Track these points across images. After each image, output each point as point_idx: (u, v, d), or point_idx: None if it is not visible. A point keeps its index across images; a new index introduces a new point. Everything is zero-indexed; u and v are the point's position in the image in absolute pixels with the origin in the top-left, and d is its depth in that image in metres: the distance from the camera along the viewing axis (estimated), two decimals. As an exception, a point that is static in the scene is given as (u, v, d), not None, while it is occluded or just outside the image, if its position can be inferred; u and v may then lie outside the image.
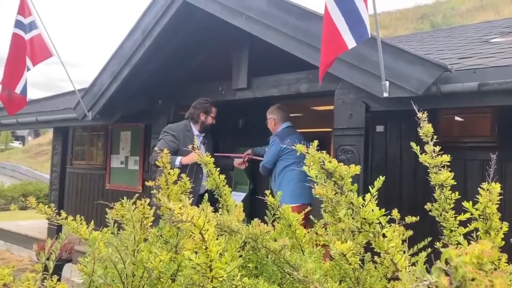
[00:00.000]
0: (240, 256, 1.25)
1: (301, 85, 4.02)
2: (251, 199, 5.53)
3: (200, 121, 4.11)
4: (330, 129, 7.65)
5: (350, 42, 2.58)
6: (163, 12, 4.20)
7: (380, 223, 0.91)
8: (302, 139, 3.98)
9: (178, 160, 3.83)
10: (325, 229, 1.52)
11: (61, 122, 6.04)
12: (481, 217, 1.03)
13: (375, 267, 1.28)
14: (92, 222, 1.58)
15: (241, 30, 3.89)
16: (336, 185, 0.93)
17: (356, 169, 0.94)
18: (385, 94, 3.01)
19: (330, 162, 0.91)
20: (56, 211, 1.54)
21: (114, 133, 7.44)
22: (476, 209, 1.04)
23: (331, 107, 3.75)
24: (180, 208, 0.82)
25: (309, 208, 2.47)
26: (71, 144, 7.91)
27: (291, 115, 8.15)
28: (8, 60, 4.56)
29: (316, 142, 1.02)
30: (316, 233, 1.54)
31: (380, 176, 1.02)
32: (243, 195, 5.70)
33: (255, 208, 5.23)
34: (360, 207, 0.89)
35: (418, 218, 1.49)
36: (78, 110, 5.25)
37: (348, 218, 1.00)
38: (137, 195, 1.58)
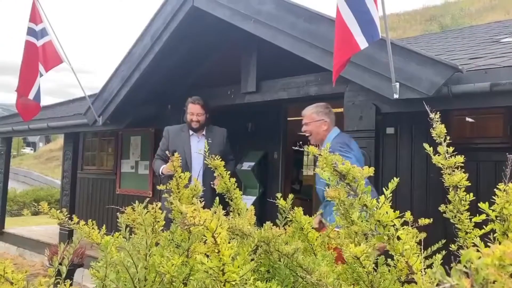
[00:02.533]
0: (252, 259, 1.24)
1: (310, 87, 4.01)
2: (261, 202, 5.52)
3: (187, 121, 4.04)
4: (340, 132, 7.61)
5: (362, 42, 2.57)
6: (171, 17, 4.22)
7: (394, 225, 0.90)
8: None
9: (161, 169, 3.82)
10: (337, 232, 1.51)
11: (72, 128, 6.09)
12: (498, 218, 1.02)
13: (389, 270, 1.27)
14: (104, 227, 1.58)
15: (250, 34, 3.90)
16: (349, 187, 0.92)
17: (369, 171, 0.93)
18: (396, 96, 2.98)
19: (343, 164, 0.91)
20: (68, 216, 1.55)
21: (124, 138, 7.49)
22: (493, 210, 1.02)
23: (341, 110, 3.74)
24: (192, 211, 0.82)
25: None
26: (81, 149, 7.98)
27: (299, 118, 8.13)
28: (22, 67, 4.62)
29: (328, 144, 1.01)
30: (328, 236, 1.52)
31: (394, 178, 1.01)
32: (253, 198, 5.69)
33: (264, 212, 5.22)
34: (374, 209, 0.88)
35: (432, 220, 1.47)
36: (88, 116, 5.29)
37: (362, 221, 0.99)
38: (147, 199, 1.58)
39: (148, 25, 4.46)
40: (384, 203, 0.86)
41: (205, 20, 4.23)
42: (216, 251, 0.96)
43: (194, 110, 3.95)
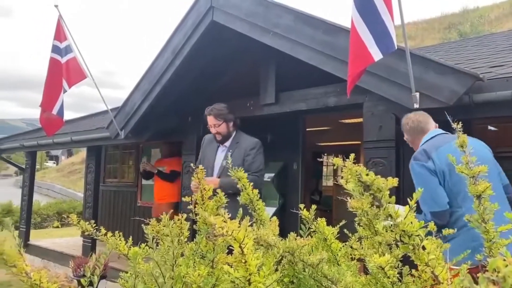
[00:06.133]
0: (276, 270, 1.26)
1: (329, 98, 4.03)
2: (281, 214, 5.52)
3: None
4: (359, 142, 7.59)
5: (377, 54, 2.58)
6: (191, 31, 4.31)
7: (419, 235, 0.91)
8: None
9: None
10: (360, 242, 1.51)
11: (94, 141, 6.22)
12: (524, 227, 1.01)
13: (413, 281, 1.27)
14: (130, 238, 1.62)
15: (268, 47, 3.95)
16: (373, 198, 0.93)
17: (394, 181, 0.94)
18: (416, 106, 2.98)
19: (367, 175, 0.92)
20: (95, 227, 1.59)
21: (145, 151, 7.61)
22: (519, 220, 1.02)
23: (360, 120, 3.74)
24: (221, 222, 0.85)
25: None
26: (103, 162, 8.12)
27: (318, 128, 8.09)
28: (46, 83, 4.77)
29: (353, 155, 1.03)
30: (351, 247, 1.53)
31: (419, 189, 1.02)
32: (273, 210, 5.70)
33: (285, 223, 5.22)
34: (399, 220, 0.90)
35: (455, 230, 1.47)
36: (111, 129, 5.40)
37: (386, 231, 1.00)
38: (171, 211, 1.62)
39: (169, 40, 4.56)
40: (409, 213, 0.87)
41: (224, 34, 4.31)
42: (243, 261, 0.98)
43: (210, 122, 3.76)
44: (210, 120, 3.74)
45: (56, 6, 4.66)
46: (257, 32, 3.88)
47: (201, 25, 4.25)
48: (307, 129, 5.92)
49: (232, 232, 0.84)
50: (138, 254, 1.35)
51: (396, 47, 2.70)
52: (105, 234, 1.55)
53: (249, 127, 5.13)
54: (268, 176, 5.79)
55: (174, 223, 1.41)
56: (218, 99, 5.12)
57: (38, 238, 9.38)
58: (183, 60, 4.48)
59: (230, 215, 1.11)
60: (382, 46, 2.56)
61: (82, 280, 1.08)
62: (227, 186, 3.38)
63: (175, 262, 1.31)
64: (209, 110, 3.76)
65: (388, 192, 0.94)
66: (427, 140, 2.60)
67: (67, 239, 9.09)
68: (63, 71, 4.76)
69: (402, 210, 0.92)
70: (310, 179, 9.18)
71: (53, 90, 4.75)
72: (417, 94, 2.96)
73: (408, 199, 0.91)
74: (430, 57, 3.08)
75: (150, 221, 1.53)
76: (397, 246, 1.14)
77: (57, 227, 15.53)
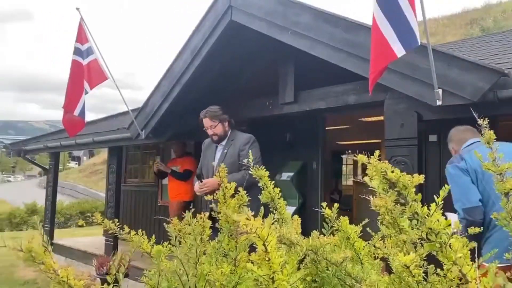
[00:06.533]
0: (298, 268, 1.25)
1: (349, 96, 3.99)
2: (300, 213, 5.50)
3: None
4: (379, 140, 7.50)
5: (399, 50, 2.55)
6: (210, 32, 4.33)
7: (446, 233, 0.89)
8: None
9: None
10: (383, 241, 1.49)
11: (115, 141, 6.31)
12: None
13: (439, 280, 1.24)
14: (153, 237, 1.64)
15: (287, 45, 3.94)
16: (399, 196, 0.92)
17: (419, 178, 0.92)
18: (439, 103, 2.92)
19: (392, 172, 0.91)
20: (119, 226, 1.61)
21: (165, 151, 7.68)
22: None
23: (380, 118, 3.69)
24: (245, 220, 0.85)
25: None
26: (125, 162, 8.23)
27: (337, 127, 8.02)
28: (68, 85, 4.86)
29: (377, 152, 1.01)
30: (374, 246, 1.51)
31: (446, 185, 1.00)
32: (293, 209, 5.68)
33: (304, 223, 5.18)
34: (425, 217, 0.88)
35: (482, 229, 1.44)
36: (132, 130, 5.47)
37: (412, 229, 0.98)
38: (192, 210, 1.62)
39: (188, 41, 4.59)
40: (435, 210, 0.86)
41: (243, 34, 4.31)
42: (267, 259, 0.98)
43: (206, 124, 3.83)
44: (206, 122, 3.83)
45: (77, 9, 4.74)
46: (276, 31, 3.87)
47: (220, 25, 4.27)
48: (327, 128, 5.88)
49: (256, 230, 0.84)
50: (161, 252, 1.36)
51: (419, 43, 2.66)
52: (129, 233, 1.57)
53: (267, 127, 5.13)
54: (287, 176, 5.78)
55: (196, 221, 1.41)
56: (237, 99, 5.14)
57: (61, 237, 9.57)
58: (202, 60, 4.51)
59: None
60: (405, 42, 2.53)
61: (108, 277, 1.09)
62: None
63: (198, 260, 1.31)
64: (204, 113, 3.85)
65: (414, 190, 0.92)
66: (465, 147, 2.72)
67: (90, 238, 9.25)
68: (84, 73, 4.84)
69: (454, 218, 0.90)
70: (329, 179, 9.12)
71: (75, 91, 4.84)
72: (440, 91, 2.91)
73: (435, 196, 0.89)
74: (453, 53, 3.02)
75: (171, 219, 1.54)
76: (422, 244, 1.12)
77: (81, 225, 15.81)
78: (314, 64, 4.01)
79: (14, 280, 7.26)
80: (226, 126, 3.86)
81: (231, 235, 1.49)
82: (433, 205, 0.89)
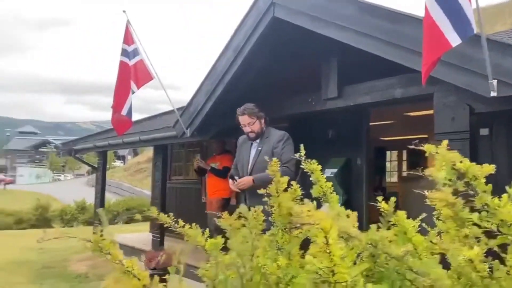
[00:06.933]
0: (354, 262, 1.24)
1: (395, 90, 3.90)
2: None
3: None
4: (425, 135, 7.27)
5: (454, 40, 2.46)
6: (252, 30, 4.35)
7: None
8: None
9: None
10: (440, 237, 1.45)
11: (161, 140, 6.47)
12: None
13: (504, 277, 1.19)
14: (207, 230, 1.67)
15: (330, 39, 3.89)
16: (467, 186, 0.89)
17: (490, 168, 0.89)
18: (493, 94, 2.80)
19: (461, 162, 0.88)
20: (174, 220, 1.66)
21: (208, 149, 7.79)
22: None
23: (427, 112, 3.58)
24: (308, 211, 0.85)
25: None
26: (169, 160, 8.43)
27: (381, 122, 7.82)
28: (116, 85, 5.03)
29: (446, 141, 0.98)
30: (431, 241, 1.47)
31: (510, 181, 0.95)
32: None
33: (350, 219, 5.11)
34: (496, 209, 0.85)
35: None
36: (177, 128, 5.60)
37: (482, 221, 0.95)
38: (240, 205, 1.64)
39: (230, 40, 4.64)
40: (507, 202, 0.82)
41: (285, 30, 4.30)
42: (328, 251, 0.97)
43: (243, 121, 3.83)
44: (244, 119, 3.83)
45: (124, 11, 4.90)
46: (319, 25, 3.84)
47: (262, 23, 4.28)
48: (370, 124, 5.76)
49: (320, 222, 0.84)
50: (217, 245, 1.38)
51: (475, 31, 2.56)
52: (183, 226, 1.61)
53: (308, 123, 5.10)
54: (330, 172, 5.71)
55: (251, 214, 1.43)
56: (277, 96, 5.14)
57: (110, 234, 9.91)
58: (244, 59, 4.54)
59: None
60: (460, 31, 2.44)
61: (169, 268, 1.12)
62: (260, 182, 3.53)
63: (254, 254, 1.33)
64: (242, 110, 3.86)
65: (484, 180, 0.89)
66: None
67: (136, 235, 9.53)
68: (131, 73, 4.99)
69: None
70: (372, 175, 8.95)
71: (122, 92, 5.00)
72: (495, 82, 2.78)
73: (506, 187, 0.86)
74: (508, 42, 2.89)
75: (222, 214, 1.56)
76: (487, 238, 1.08)
77: (137, 220, 16.21)
78: (358, 58, 3.95)
79: (67, 274, 7.59)
80: (262, 123, 3.88)
81: (285, 229, 1.49)
82: (504, 196, 0.85)
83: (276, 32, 4.35)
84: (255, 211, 1.40)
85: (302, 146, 1.71)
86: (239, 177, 3.77)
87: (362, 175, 5.62)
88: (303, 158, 1.59)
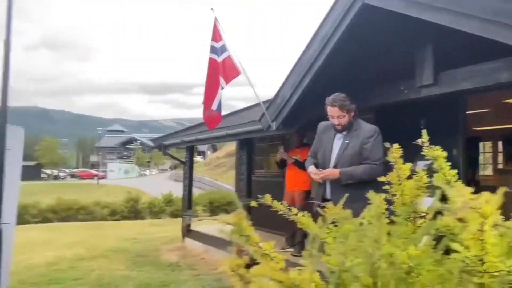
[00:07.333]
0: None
1: (500, 74, 3.61)
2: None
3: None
4: (529, 123, 6.63)
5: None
6: (341, 18, 4.26)
7: None
8: None
9: (309, 171, 3.70)
10: None
11: (247, 134, 6.60)
12: None
13: None
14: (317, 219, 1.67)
15: (424, 24, 3.69)
16: None
17: None
18: None
19: None
20: (288, 207, 1.68)
21: (290, 142, 7.81)
22: None
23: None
24: (466, 196, 0.80)
25: None
26: (253, 154, 8.57)
27: (475, 111, 7.30)
28: (206, 82, 5.21)
29: None
30: None
31: None
32: (430, 200, 5.34)
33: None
34: None
35: None
36: (263, 122, 5.67)
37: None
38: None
39: (318, 30, 4.58)
40: None
41: (375, 16, 4.15)
42: (480, 239, 0.92)
43: (333, 113, 3.59)
44: (334, 111, 3.59)
45: (211, 9, 5.05)
46: (414, 8, 3.65)
47: (351, 10, 4.17)
48: (467, 112, 5.40)
49: (481, 207, 0.79)
50: (335, 233, 1.37)
51: None
52: (296, 214, 1.62)
53: (397, 113, 4.89)
54: (424, 164, 5.43)
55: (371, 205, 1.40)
56: (364, 86, 4.99)
57: (197, 225, 10.35)
58: (333, 48, 4.46)
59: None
60: None
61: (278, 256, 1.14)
62: (346, 176, 3.46)
63: (380, 242, 1.30)
64: (332, 101, 3.60)
65: None
66: None
67: (220, 226, 9.82)
68: (220, 70, 5.14)
69: None
70: (466, 168, 8.39)
71: (212, 87, 5.17)
72: None
73: None
74: None
75: (326, 205, 1.54)
76: None
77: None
78: (455, 42, 3.71)
79: (160, 262, 8.03)
80: (352, 116, 3.64)
81: (408, 218, 1.44)
82: None
83: (366, 19, 4.21)
84: (378, 199, 1.37)
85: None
86: (318, 167, 3.65)
87: (458, 167, 5.29)
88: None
